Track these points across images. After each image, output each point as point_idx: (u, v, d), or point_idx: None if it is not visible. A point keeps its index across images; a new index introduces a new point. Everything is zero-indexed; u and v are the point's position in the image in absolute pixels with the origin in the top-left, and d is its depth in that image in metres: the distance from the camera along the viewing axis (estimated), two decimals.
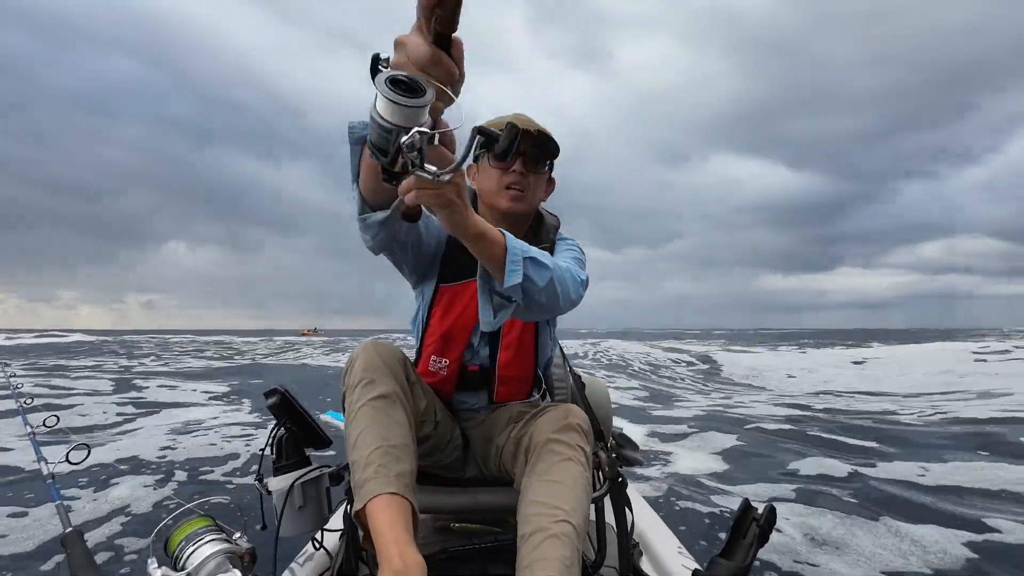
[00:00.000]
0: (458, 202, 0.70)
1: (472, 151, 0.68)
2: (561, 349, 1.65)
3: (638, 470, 3.20)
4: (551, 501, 0.87)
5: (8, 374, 2.56)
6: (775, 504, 1.00)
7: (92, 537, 2.42)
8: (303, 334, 75.34)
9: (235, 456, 3.67)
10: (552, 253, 1.18)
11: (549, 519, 0.85)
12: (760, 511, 0.99)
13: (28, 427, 1.83)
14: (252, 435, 4.33)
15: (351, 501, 1.21)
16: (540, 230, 1.26)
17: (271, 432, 1.29)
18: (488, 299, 0.90)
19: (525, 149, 1.13)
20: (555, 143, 1.17)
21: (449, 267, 1.20)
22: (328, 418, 1.73)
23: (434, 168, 0.60)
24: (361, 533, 0.87)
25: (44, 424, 1.84)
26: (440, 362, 1.19)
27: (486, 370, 1.22)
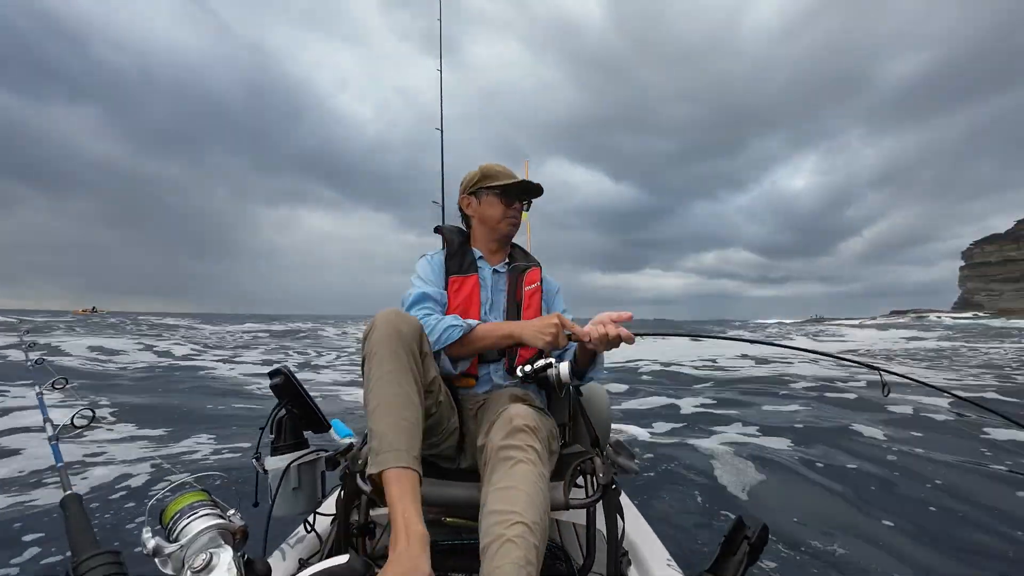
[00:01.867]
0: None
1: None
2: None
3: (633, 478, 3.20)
4: (504, 507, 0.91)
5: (23, 331, 2.60)
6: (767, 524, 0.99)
7: (90, 501, 2.47)
8: (78, 313, 69.57)
9: (236, 436, 3.70)
10: (539, 279, 1.59)
11: (503, 525, 0.88)
12: (752, 528, 0.98)
13: (36, 387, 1.86)
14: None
15: (345, 487, 1.22)
16: (515, 251, 1.67)
17: (272, 412, 1.31)
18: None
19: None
20: (541, 189, 1.59)
21: (452, 263, 1.53)
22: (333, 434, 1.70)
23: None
24: (369, 489, 1.00)
25: (53, 386, 1.87)
26: None
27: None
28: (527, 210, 1.64)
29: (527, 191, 1.58)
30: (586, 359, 1.36)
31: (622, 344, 1.26)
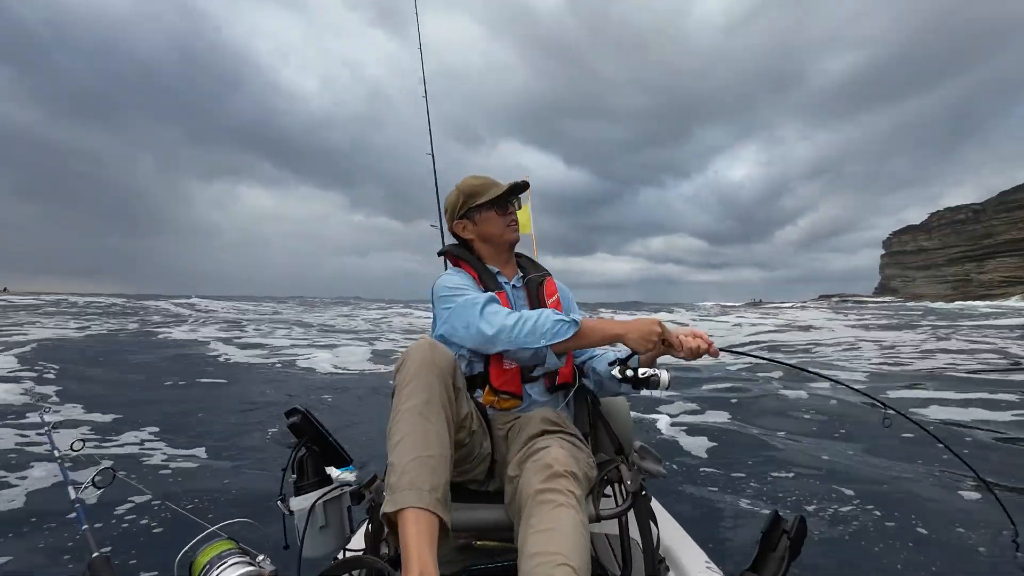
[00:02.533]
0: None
1: None
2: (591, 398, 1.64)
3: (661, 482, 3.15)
4: (548, 549, 0.88)
5: (35, 396, 2.61)
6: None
7: (118, 560, 2.44)
8: None
9: (254, 476, 3.68)
10: (556, 289, 1.59)
11: (548, 566, 0.84)
12: (790, 523, 0.96)
13: (56, 451, 1.86)
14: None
15: (372, 520, 1.21)
16: (522, 260, 1.65)
17: (292, 452, 1.30)
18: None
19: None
20: (527, 184, 1.56)
21: (484, 279, 1.49)
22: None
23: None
24: (386, 531, 0.93)
25: (72, 448, 1.87)
26: (510, 361, 1.35)
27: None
28: (519, 208, 1.61)
29: (515, 190, 1.55)
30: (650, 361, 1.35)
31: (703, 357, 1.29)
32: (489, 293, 1.37)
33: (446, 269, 1.63)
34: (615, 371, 1.30)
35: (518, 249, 1.66)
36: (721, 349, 1.29)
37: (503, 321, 1.25)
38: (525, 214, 3.14)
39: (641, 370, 1.28)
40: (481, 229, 1.54)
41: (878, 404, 1.46)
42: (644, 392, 1.30)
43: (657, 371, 1.27)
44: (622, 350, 1.37)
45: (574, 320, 1.26)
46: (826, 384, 5.92)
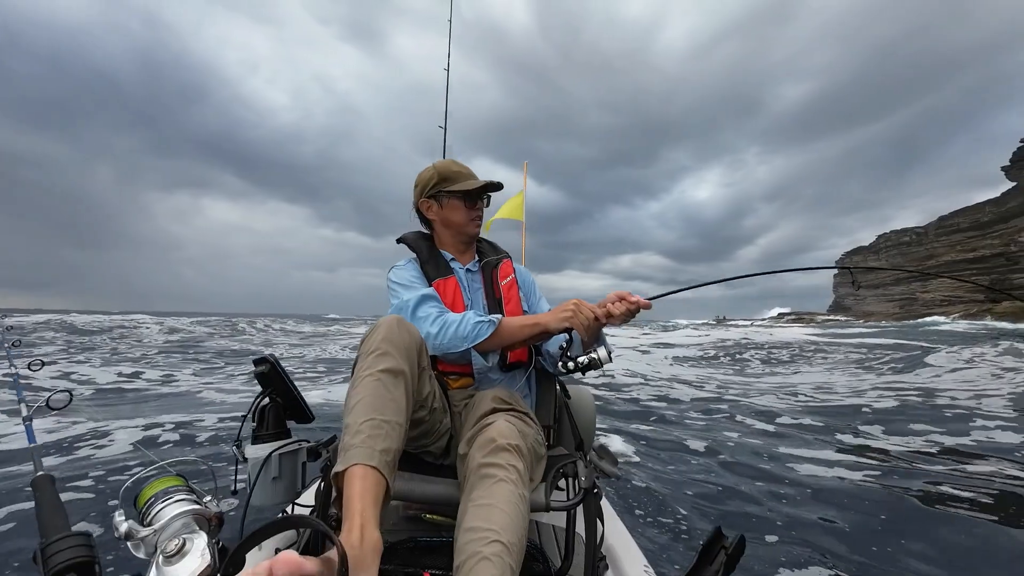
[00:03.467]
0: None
1: None
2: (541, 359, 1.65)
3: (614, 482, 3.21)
4: (482, 524, 0.88)
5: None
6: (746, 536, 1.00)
7: (64, 483, 2.42)
8: None
9: (216, 423, 3.66)
10: (512, 270, 1.60)
11: (480, 542, 0.85)
12: (730, 539, 0.99)
13: (12, 367, 1.83)
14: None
15: (326, 479, 1.21)
16: (483, 245, 1.66)
17: (255, 400, 1.29)
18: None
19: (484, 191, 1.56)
20: (501, 185, 1.56)
21: (429, 268, 1.50)
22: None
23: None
24: (335, 494, 0.89)
25: (29, 367, 1.84)
26: None
27: None
28: (487, 205, 1.62)
29: (487, 188, 1.55)
30: (591, 340, 1.35)
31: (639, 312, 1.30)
32: (421, 292, 1.38)
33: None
34: (560, 365, 1.35)
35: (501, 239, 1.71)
36: (650, 298, 1.33)
37: (427, 328, 1.30)
38: (518, 200, 3.12)
39: (580, 358, 1.31)
40: (445, 214, 1.54)
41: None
42: (591, 372, 1.34)
43: (595, 353, 1.31)
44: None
45: (492, 320, 1.29)
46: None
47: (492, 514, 0.90)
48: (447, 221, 1.54)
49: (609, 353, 1.31)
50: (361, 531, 0.78)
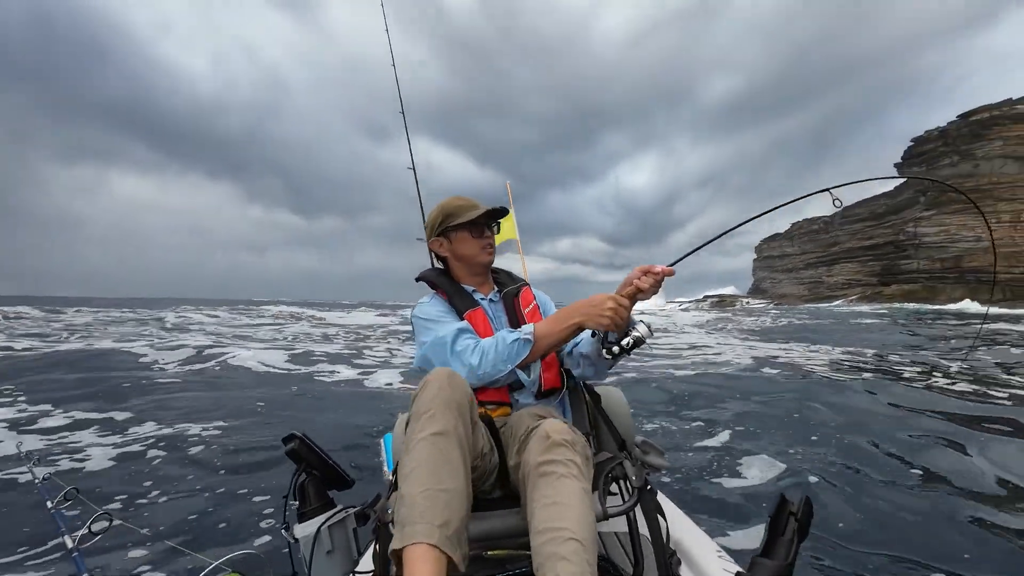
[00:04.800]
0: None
1: None
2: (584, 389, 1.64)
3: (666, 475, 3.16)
4: (553, 524, 0.88)
5: (22, 450, 2.55)
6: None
7: None
8: None
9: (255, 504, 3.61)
10: (533, 297, 1.64)
11: (556, 543, 0.85)
12: (796, 504, 0.97)
13: (48, 503, 1.82)
14: None
15: (379, 540, 1.19)
16: (500, 275, 1.69)
17: (293, 478, 1.28)
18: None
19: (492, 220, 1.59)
20: (507, 210, 1.61)
21: (456, 302, 1.51)
22: (382, 443, 1.70)
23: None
24: (394, 569, 0.86)
25: (64, 497, 1.83)
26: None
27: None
28: (498, 231, 1.66)
29: (493, 215, 1.58)
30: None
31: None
32: (457, 326, 1.39)
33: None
34: (604, 353, 1.34)
35: (500, 264, 1.72)
36: (671, 264, 1.32)
37: (469, 360, 1.30)
38: (509, 221, 3.16)
39: (624, 341, 1.31)
40: (456, 249, 1.58)
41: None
42: (636, 352, 1.33)
43: (635, 330, 1.31)
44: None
45: (527, 339, 1.30)
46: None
47: (562, 512, 0.90)
48: (459, 255, 1.58)
49: (649, 327, 1.31)
50: None
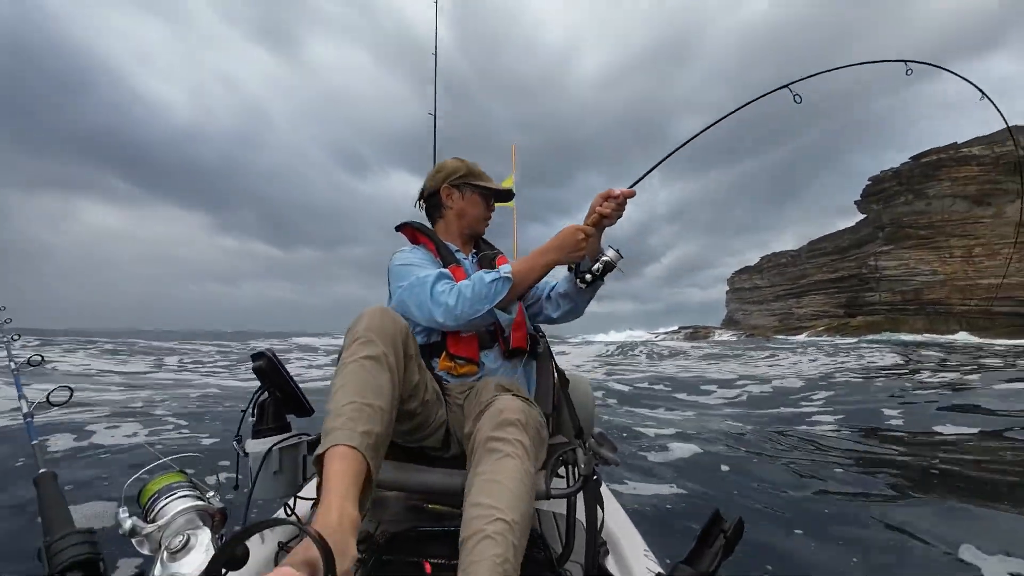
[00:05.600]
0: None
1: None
2: (547, 345, 1.66)
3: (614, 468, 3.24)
4: (487, 501, 0.90)
5: None
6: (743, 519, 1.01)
7: (65, 481, 2.43)
8: None
9: (217, 414, 3.67)
10: (506, 260, 1.60)
11: (484, 520, 0.87)
12: (728, 522, 1.00)
13: (11, 363, 1.82)
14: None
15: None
16: (480, 241, 1.71)
17: (254, 395, 1.30)
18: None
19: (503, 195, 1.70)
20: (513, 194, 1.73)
21: (443, 253, 1.52)
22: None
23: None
24: (317, 480, 0.87)
25: (28, 362, 1.83)
26: None
27: (491, 331, 1.43)
28: (492, 211, 1.71)
29: (502, 196, 1.66)
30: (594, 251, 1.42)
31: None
32: (439, 271, 1.39)
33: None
34: (578, 283, 1.41)
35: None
36: (631, 185, 1.37)
37: (447, 300, 1.30)
38: (508, 183, 3.12)
39: (595, 267, 1.37)
40: (465, 206, 1.60)
41: None
42: (608, 278, 1.41)
43: (605, 256, 1.37)
44: None
45: (506, 277, 1.30)
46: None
47: (497, 490, 0.91)
48: (463, 212, 1.60)
49: (618, 251, 1.36)
50: (339, 511, 0.77)
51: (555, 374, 1.60)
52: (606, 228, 1.38)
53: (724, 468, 3.43)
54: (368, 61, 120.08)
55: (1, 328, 2.14)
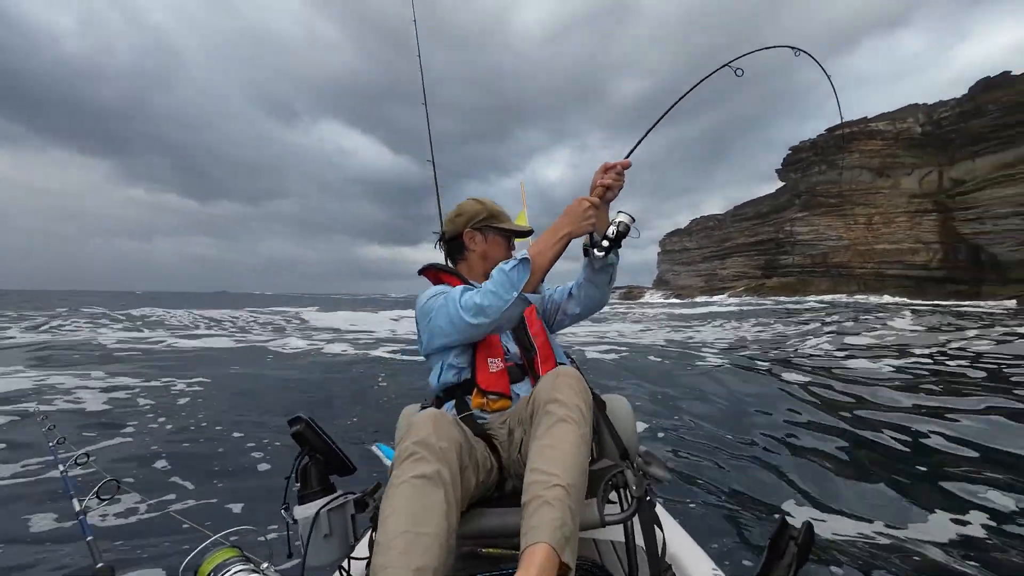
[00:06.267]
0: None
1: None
2: (578, 368, 1.64)
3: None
4: (545, 467, 0.95)
5: (39, 411, 2.62)
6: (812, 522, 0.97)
7: (122, 572, 2.43)
8: None
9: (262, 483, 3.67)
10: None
11: (543, 486, 0.92)
12: (797, 529, 0.96)
13: (60, 466, 1.87)
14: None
15: (376, 528, 1.21)
16: None
17: (296, 460, 1.30)
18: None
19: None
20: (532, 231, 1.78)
21: None
22: (376, 450, 1.78)
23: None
24: (369, 537, 0.87)
25: (75, 462, 1.88)
26: (496, 363, 1.43)
27: (520, 365, 1.49)
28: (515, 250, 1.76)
29: (521, 234, 1.72)
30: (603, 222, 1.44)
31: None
32: (463, 286, 1.42)
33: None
34: (595, 252, 1.42)
35: None
36: (625, 157, 1.43)
37: (474, 300, 1.32)
38: (521, 219, 3.19)
39: (608, 232, 1.38)
40: (488, 248, 1.65)
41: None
42: (624, 243, 1.42)
43: (615, 225, 1.37)
44: None
45: (524, 259, 1.31)
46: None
47: (553, 456, 0.97)
48: (487, 254, 1.65)
49: (629, 214, 1.37)
50: None
51: (589, 395, 1.57)
52: (610, 201, 1.43)
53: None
54: None
55: (47, 437, 2.21)
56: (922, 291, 58.30)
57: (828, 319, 19.10)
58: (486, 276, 1.62)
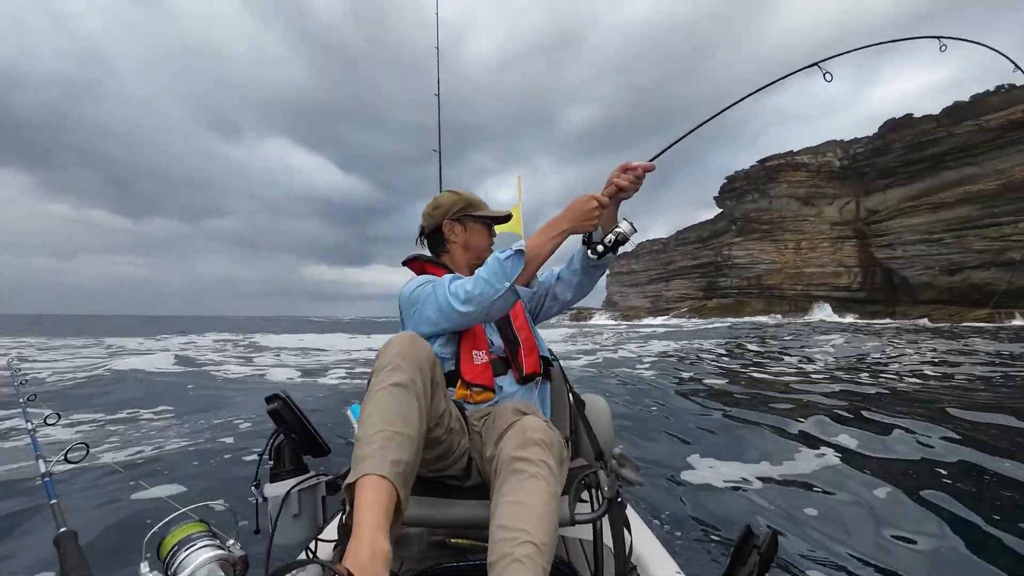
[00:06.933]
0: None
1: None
2: (561, 369, 1.65)
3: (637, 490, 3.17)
4: (514, 524, 0.89)
5: (12, 366, 2.57)
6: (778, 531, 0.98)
7: (85, 538, 2.40)
8: None
9: (235, 460, 3.65)
10: None
11: (512, 543, 0.86)
12: (761, 538, 0.97)
13: (28, 423, 1.83)
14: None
15: (346, 511, 1.21)
16: None
17: (270, 438, 1.29)
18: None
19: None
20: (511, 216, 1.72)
21: None
22: (350, 414, 1.78)
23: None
24: (347, 508, 0.88)
25: (45, 422, 1.84)
26: (480, 355, 1.42)
27: (504, 358, 1.48)
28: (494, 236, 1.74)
29: (501, 220, 1.69)
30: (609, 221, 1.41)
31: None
32: (452, 275, 1.41)
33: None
34: (589, 253, 1.39)
35: None
36: (651, 159, 1.37)
37: (464, 287, 1.31)
38: (516, 215, 3.19)
39: (607, 238, 1.34)
40: (469, 238, 1.63)
41: None
42: (621, 251, 1.39)
43: (618, 228, 1.34)
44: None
45: (519, 251, 1.29)
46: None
47: (523, 512, 0.91)
48: (468, 244, 1.63)
49: (632, 224, 1.33)
50: (371, 544, 0.78)
51: (570, 396, 1.58)
52: (622, 201, 1.39)
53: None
54: (239, 10, 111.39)
55: (18, 391, 2.16)
56: (846, 310, 63.82)
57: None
58: (470, 266, 1.62)
